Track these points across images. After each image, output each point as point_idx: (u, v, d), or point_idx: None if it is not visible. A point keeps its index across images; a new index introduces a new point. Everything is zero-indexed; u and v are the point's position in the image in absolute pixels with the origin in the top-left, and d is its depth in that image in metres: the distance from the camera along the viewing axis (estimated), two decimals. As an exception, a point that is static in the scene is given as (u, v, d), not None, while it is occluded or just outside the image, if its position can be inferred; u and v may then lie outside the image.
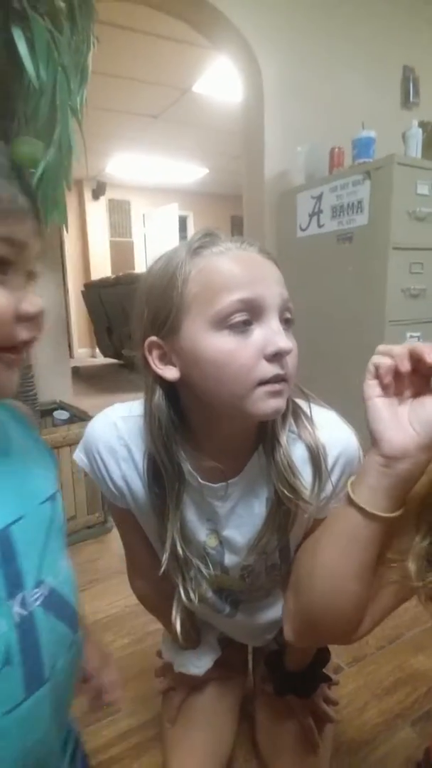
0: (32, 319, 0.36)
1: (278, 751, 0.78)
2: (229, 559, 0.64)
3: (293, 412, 0.58)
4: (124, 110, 4.04)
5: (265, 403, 0.49)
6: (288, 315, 0.52)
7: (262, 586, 0.68)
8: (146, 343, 0.53)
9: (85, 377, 4.89)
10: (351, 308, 1.89)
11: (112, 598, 1.35)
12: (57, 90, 1.42)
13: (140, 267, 6.62)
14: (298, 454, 0.57)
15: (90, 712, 0.62)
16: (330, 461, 0.56)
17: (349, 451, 0.58)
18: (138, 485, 0.60)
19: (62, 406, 1.91)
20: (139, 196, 6.66)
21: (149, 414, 0.55)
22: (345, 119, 2.13)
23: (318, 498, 0.56)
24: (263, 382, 0.48)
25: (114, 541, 1.69)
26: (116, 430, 0.60)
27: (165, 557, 0.59)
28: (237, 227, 7.28)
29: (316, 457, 0.56)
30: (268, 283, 0.50)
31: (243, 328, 0.48)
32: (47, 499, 0.42)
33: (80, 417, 1.76)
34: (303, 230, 2.12)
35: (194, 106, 3.96)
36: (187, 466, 0.56)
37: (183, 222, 7.07)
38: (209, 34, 2.30)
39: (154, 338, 0.53)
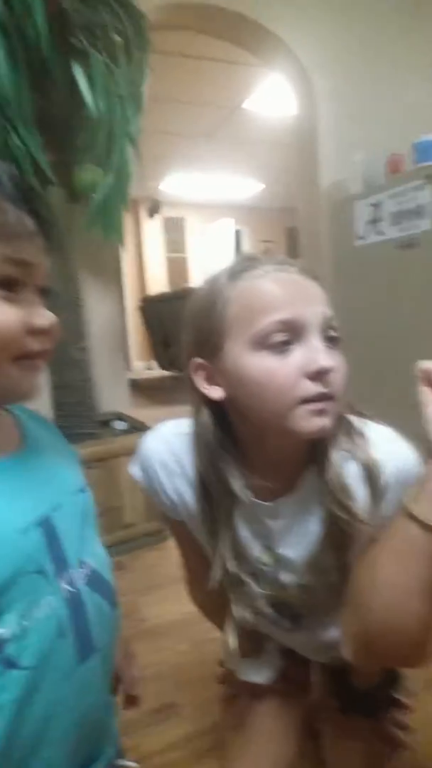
0: (44, 333, 0.39)
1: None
2: (285, 577, 0.63)
3: (345, 429, 0.56)
4: (178, 132, 4.18)
5: (309, 422, 0.49)
6: (332, 333, 0.51)
7: (321, 603, 0.65)
8: (192, 364, 0.55)
9: (142, 389, 5.04)
10: (415, 317, 1.83)
11: (171, 605, 1.38)
12: (114, 119, 1.50)
13: (195, 282, 6.76)
14: (352, 473, 0.55)
15: (125, 707, 0.63)
16: (385, 478, 0.54)
17: (406, 466, 0.55)
18: (191, 500, 0.61)
19: (120, 417, 1.98)
20: (193, 212, 6.83)
21: (196, 434, 0.57)
22: (402, 125, 2.09)
23: (374, 517, 0.55)
24: (306, 401, 0.48)
25: (173, 549, 1.71)
26: (169, 445, 0.62)
27: (218, 573, 0.59)
28: (293, 239, 7.27)
29: (370, 475, 0.54)
30: (308, 303, 0.50)
31: (283, 347, 0.49)
32: (79, 490, 0.46)
33: (137, 427, 1.82)
34: (361, 239, 2.08)
35: (245, 122, 4.03)
36: (237, 484, 0.56)
37: (238, 236, 7.16)
38: (259, 53, 2.35)
39: (199, 359, 0.55)
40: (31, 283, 0.38)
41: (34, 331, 0.38)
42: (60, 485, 0.44)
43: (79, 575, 0.41)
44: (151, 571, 1.58)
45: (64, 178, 1.60)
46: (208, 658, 1.14)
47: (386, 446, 0.56)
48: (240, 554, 0.60)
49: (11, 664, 0.34)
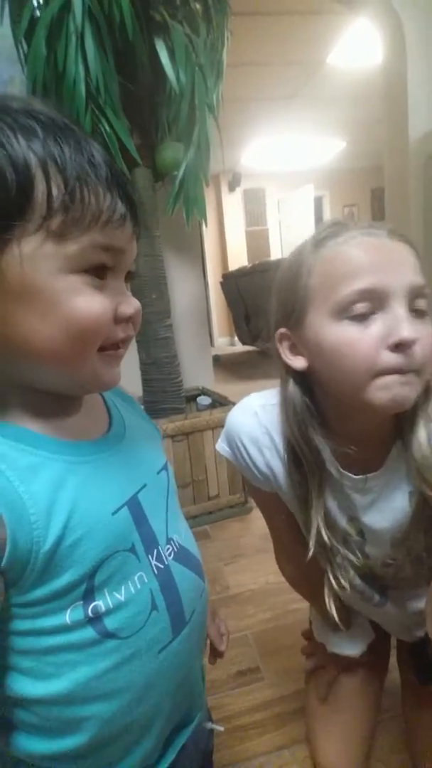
0: (129, 320, 0.39)
1: (429, 748, 0.74)
2: (371, 550, 0.63)
3: None
4: (258, 97, 4.05)
5: (387, 394, 0.47)
6: (420, 303, 0.48)
7: (407, 577, 0.65)
8: (277, 334, 0.56)
9: (225, 365, 5.10)
10: None
11: (254, 574, 1.42)
12: (195, 91, 1.49)
13: (275, 254, 6.62)
14: None
15: (210, 661, 0.64)
16: None
17: None
18: (281, 472, 0.61)
19: (205, 392, 2.03)
20: (273, 182, 6.64)
21: (284, 402, 0.57)
22: None
23: None
24: (385, 372, 0.47)
25: (255, 520, 1.76)
26: (257, 418, 0.61)
27: (311, 544, 0.59)
28: (378, 200, 6.81)
29: None
30: (393, 270, 0.47)
31: (364, 317, 0.47)
32: (161, 469, 0.47)
33: (221, 402, 1.86)
34: (455, 196, 1.91)
35: (330, 78, 3.79)
36: (326, 453, 0.56)
37: (319, 202, 6.85)
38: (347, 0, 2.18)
39: (283, 330, 0.55)
40: (121, 269, 0.38)
41: (121, 320, 0.38)
42: (145, 466, 0.45)
43: (167, 551, 0.42)
44: (235, 541, 1.63)
45: (149, 159, 1.62)
46: (290, 628, 1.16)
47: None
48: (330, 525, 0.60)
49: (109, 634, 0.37)
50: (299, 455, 0.57)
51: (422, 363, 0.47)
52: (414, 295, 0.48)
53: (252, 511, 1.81)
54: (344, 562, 0.62)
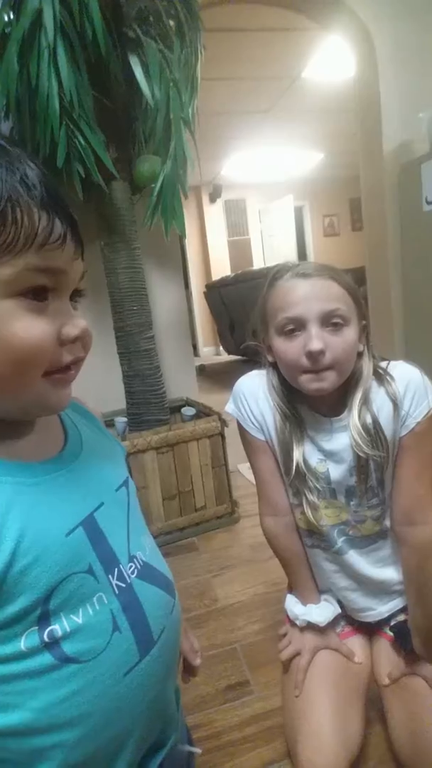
0: (75, 341, 0.37)
1: (420, 753, 0.73)
2: (334, 477, 0.79)
3: (374, 373, 0.77)
4: (236, 110, 4.11)
5: (309, 385, 0.72)
6: (335, 320, 0.70)
7: (365, 517, 0.81)
8: (260, 335, 0.81)
9: (210, 374, 5.10)
10: None
11: (243, 585, 1.41)
12: (170, 105, 1.50)
13: (258, 263, 6.67)
14: (379, 398, 0.76)
15: (183, 679, 0.63)
16: (401, 389, 0.76)
17: (415, 379, 0.76)
18: (271, 419, 0.81)
19: (189, 403, 2.02)
20: (254, 193, 6.72)
21: (267, 379, 0.82)
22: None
23: (398, 425, 0.75)
24: (305, 371, 0.72)
25: (243, 530, 1.74)
26: (255, 379, 0.84)
27: (291, 476, 0.79)
28: (356, 210, 6.93)
29: (391, 393, 0.76)
30: (311, 301, 0.70)
31: (291, 335, 0.72)
32: (121, 485, 0.46)
33: (206, 413, 1.85)
34: (430, 204, 1.94)
35: (305, 92, 3.87)
36: (303, 409, 0.80)
37: (299, 212, 6.95)
38: (316, 16, 2.23)
39: (262, 335, 0.80)
40: (63, 290, 0.37)
41: (66, 342, 0.36)
42: (102, 483, 0.44)
43: (129, 569, 0.41)
44: (223, 552, 1.62)
45: (126, 172, 1.63)
46: (277, 639, 1.15)
47: (400, 370, 0.77)
48: (305, 461, 0.79)
49: (68, 659, 0.35)
50: (284, 411, 0.79)
51: (333, 362, 0.70)
52: (326, 317, 0.70)
53: (240, 520, 1.80)
54: (315, 494, 0.80)
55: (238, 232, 6.83)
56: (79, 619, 0.36)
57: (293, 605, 0.89)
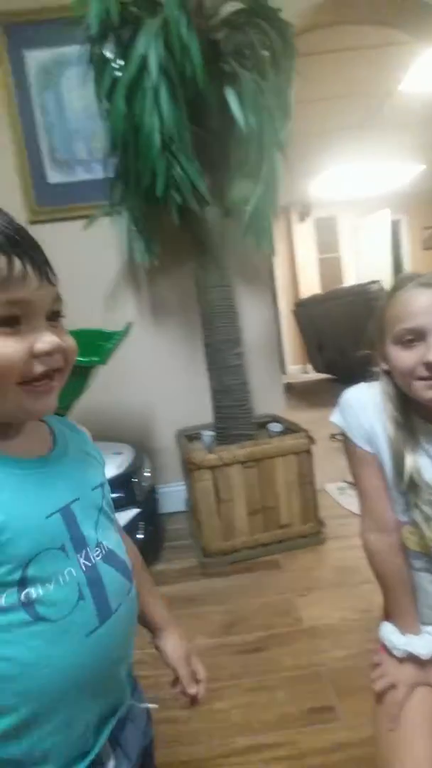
0: (48, 355, 0.43)
1: None
2: None
3: None
4: (329, 129, 4.11)
5: (424, 393, 0.71)
6: None
7: None
8: (375, 343, 0.79)
9: (297, 393, 5.04)
10: None
11: (329, 608, 1.36)
12: (264, 131, 1.56)
13: (349, 281, 6.53)
14: None
15: (183, 706, 0.66)
16: None
17: None
18: (381, 431, 0.79)
19: (276, 419, 2.02)
20: (345, 209, 6.62)
21: (382, 388, 0.79)
22: None
23: None
24: (421, 378, 0.70)
25: (329, 552, 1.70)
26: (366, 390, 0.82)
27: (402, 487, 0.75)
28: (458, 222, 6.53)
29: None
30: (429, 314, 0.70)
31: (409, 344, 0.71)
32: (96, 486, 0.53)
33: (293, 429, 1.84)
34: None
35: (403, 105, 3.77)
36: (416, 419, 0.76)
37: (396, 226, 6.70)
38: (413, 30, 2.19)
39: (377, 345, 0.78)
40: (34, 314, 0.43)
41: (39, 355, 0.42)
42: (80, 482, 0.51)
43: (95, 553, 0.48)
44: (307, 573, 1.58)
45: (219, 196, 1.71)
46: (367, 668, 1.10)
47: None
48: (420, 473, 0.75)
49: (41, 617, 0.42)
50: (397, 420, 0.77)
51: None
52: None
53: (326, 542, 1.75)
54: (430, 508, 0.74)
55: (328, 250, 6.75)
56: (51, 586, 0.43)
57: (391, 634, 0.82)
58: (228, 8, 1.64)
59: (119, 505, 1.50)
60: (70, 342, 0.47)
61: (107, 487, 0.56)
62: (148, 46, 1.40)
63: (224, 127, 1.65)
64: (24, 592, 0.41)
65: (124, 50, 1.50)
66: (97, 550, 0.48)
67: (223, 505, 1.68)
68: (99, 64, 1.57)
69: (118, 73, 1.51)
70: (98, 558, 0.48)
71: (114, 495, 1.69)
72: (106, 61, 1.55)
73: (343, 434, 0.83)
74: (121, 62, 1.51)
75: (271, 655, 1.22)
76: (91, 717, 0.47)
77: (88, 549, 0.47)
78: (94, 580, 0.47)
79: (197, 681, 0.66)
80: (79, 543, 0.47)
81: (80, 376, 1.41)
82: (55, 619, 0.43)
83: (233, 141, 1.67)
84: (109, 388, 1.91)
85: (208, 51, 1.48)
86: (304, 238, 6.69)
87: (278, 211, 1.77)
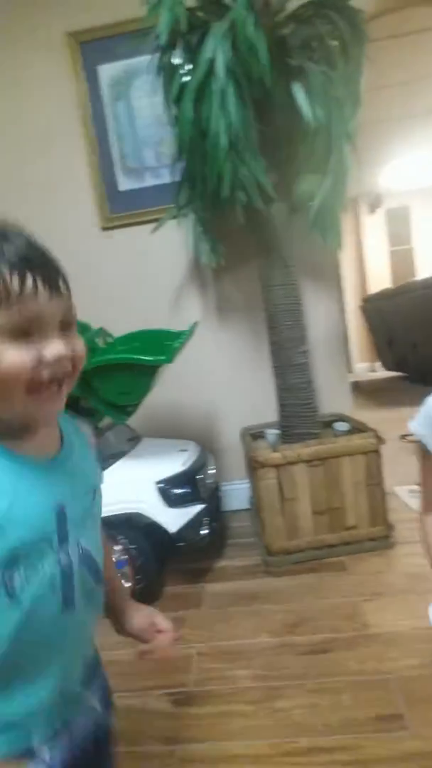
0: (58, 361, 0.46)
1: None
2: None
3: None
4: (399, 115, 3.93)
5: None
6: None
7: None
8: None
9: (365, 392, 4.88)
10: None
11: (398, 615, 1.32)
12: (332, 123, 1.52)
13: (423, 273, 6.20)
14: None
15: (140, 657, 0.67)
16: None
17: None
18: None
19: (342, 418, 1.98)
20: (419, 199, 6.29)
21: None
22: None
23: None
24: None
25: (399, 557, 1.63)
26: None
27: None
28: None
29: None
30: None
31: None
32: (89, 490, 0.57)
33: (360, 429, 1.79)
34: None
35: None
36: None
37: (473, 214, 6.28)
38: None
39: None
40: (45, 326, 0.46)
41: (47, 363, 0.46)
42: (76, 484, 0.55)
43: (74, 551, 0.52)
44: (374, 577, 1.53)
45: (285, 193, 1.70)
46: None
47: None
48: None
49: (15, 598, 0.46)
50: None
51: None
52: None
53: (395, 546, 1.69)
54: None
55: (400, 242, 6.46)
56: (30, 570, 0.47)
57: None
58: (294, 2, 1.62)
59: (184, 501, 1.54)
60: (79, 348, 0.50)
61: (99, 492, 0.61)
62: (216, 49, 1.41)
63: (290, 122, 1.63)
64: (7, 572, 0.46)
65: (192, 55, 1.53)
66: (76, 549, 0.52)
67: (287, 504, 1.67)
68: (167, 72, 1.61)
69: (186, 78, 1.54)
70: (75, 557, 0.52)
71: (179, 491, 1.73)
72: (174, 68, 1.59)
73: (420, 442, 0.77)
74: (189, 67, 1.54)
75: (336, 657, 1.20)
76: (62, 672, 0.53)
77: (69, 546, 0.51)
78: (66, 575, 0.51)
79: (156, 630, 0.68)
80: (63, 540, 0.51)
81: (147, 374, 1.46)
82: (27, 603, 0.47)
83: (300, 135, 1.65)
84: (176, 386, 1.96)
85: (275, 48, 1.47)
86: (374, 230, 6.45)
87: (347, 204, 1.73)
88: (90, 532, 0.56)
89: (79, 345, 0.50)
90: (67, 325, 0.49)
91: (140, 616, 0.69)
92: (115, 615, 0.68)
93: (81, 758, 0.55)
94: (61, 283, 0.48)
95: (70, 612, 0.52)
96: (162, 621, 0.68)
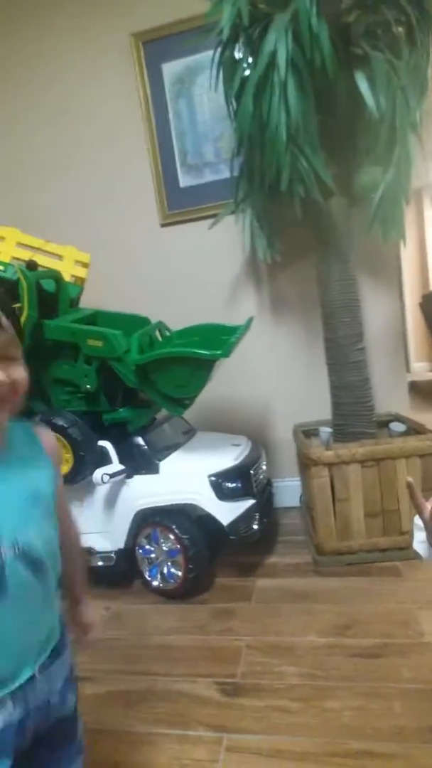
0: None
1: None
2: None
3: None
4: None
5: None
6: None
7: None
8: None
9: (423, 392, 4.68)
10: None
11: (454, 625, 1.27)
12: (396, 112, 1.47)
13: None
14: None
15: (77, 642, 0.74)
16: None
17: None
18: None
19: (399, 419, 1.91)
20: None
21: None
22: None
23: None
24: None
25: (456, 566, 1.56)
26: None
27: None
28: None
29: None
30: None
31: None
32: (32, 490, 0.60)
33: (417, 430, 1.73)
34: None
35: None
36: None
37: None
38: None
39: None
40: None
41: None
42: (14, 483, 0.58)
43: (8, 549, 0.54)
44: (430, 584, 1.48)
45: (344, 186, 1.66)
46: None
47: None
48: None
49: None
50: None
51: None
52: None
53: (453, 554, 1.61)
54: None
55: (465, 236, 6.11)
56: None
57: None
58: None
59: (236, 495, 1.55)
60: (17, 376, 0.56)
61: (49, 490, 0.63)
62: (278, 41, 1.40)
63: (353, 112, 1.58)
64: None
65: (253, 49, 1.52)
66: (11, 548, 0.55)
67: (339, 504, 1.64)
68: (229, 66, 1.61)
69: (247, 72, 1.54)
70: (9, 554, 0.54)
71: (231, 485, 1.74)
72: (235, 63, 1.59)
73: None
74: (250, 60, 1.53)
75: (388, 663, 1.17)
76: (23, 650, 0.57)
77: (3, 545, 0.54)
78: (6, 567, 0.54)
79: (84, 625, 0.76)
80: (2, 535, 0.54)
81: (204, 368, 1.48)
82: None
83: (362, 126, 1.60)
84: (230, 381, 1.97)
85: (337, 37, 1.43)
86: (438, 224, 6.13)
87: (410, 197, 1.66)
88: (35, 531, 0.59)
89: (18, 373, 0.56)
90: (7, 357, 0.56)
91: (90, 612, 0.78)
92: (70, 602, 0.75)
93: (44, 732, 0.60)
94: (2, 320, 0.55)
95: (2, 601, 0.55)
96: (92, 614, 0.78)
